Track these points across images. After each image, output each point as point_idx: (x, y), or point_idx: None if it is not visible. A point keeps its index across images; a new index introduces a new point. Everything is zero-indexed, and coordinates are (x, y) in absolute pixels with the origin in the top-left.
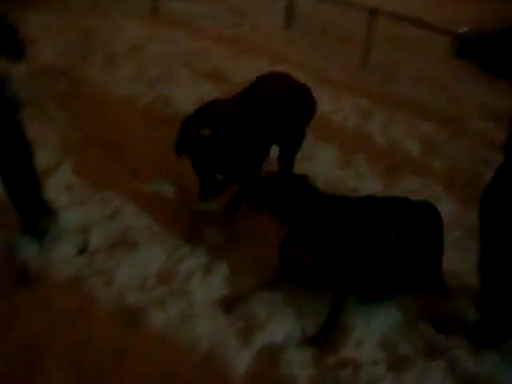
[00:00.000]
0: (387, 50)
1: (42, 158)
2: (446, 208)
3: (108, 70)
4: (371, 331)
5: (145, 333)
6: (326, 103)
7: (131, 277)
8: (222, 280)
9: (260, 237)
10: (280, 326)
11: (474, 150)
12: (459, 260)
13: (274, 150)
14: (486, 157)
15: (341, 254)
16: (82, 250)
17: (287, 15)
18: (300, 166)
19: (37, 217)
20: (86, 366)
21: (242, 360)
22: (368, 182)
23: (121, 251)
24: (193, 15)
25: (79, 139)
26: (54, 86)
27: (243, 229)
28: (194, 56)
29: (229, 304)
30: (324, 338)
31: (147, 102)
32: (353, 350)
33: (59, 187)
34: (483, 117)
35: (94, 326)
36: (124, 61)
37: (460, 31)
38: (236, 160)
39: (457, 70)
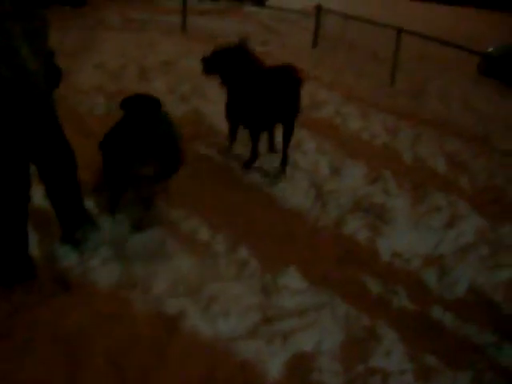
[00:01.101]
0: (414, 68)
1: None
2: (473, 225)
3: (142, 84)
4: (398, 342)
5: (183, 337)
6: (354, 120)
7: (169, 283)
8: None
9: None
10: (311, 335)
11: (500, 168)
12: (486, 276)
13: None
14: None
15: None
16: (120, 257)
17: (315, 33)
18: (329, 182)
19: (77, 226)
20: (127, 367)
21: (274, 366)
22: (395, 199)
23: (158, 259)
24: (221, 32)
25: None
26: (90, 101)
27: None
28: None
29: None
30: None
31: (180, 116)
32: (381, 359)
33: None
34: (509, 135)
35: (133, 330)
36: (157, 75)
37: (486, 50)
38: None
39: (483, 87)
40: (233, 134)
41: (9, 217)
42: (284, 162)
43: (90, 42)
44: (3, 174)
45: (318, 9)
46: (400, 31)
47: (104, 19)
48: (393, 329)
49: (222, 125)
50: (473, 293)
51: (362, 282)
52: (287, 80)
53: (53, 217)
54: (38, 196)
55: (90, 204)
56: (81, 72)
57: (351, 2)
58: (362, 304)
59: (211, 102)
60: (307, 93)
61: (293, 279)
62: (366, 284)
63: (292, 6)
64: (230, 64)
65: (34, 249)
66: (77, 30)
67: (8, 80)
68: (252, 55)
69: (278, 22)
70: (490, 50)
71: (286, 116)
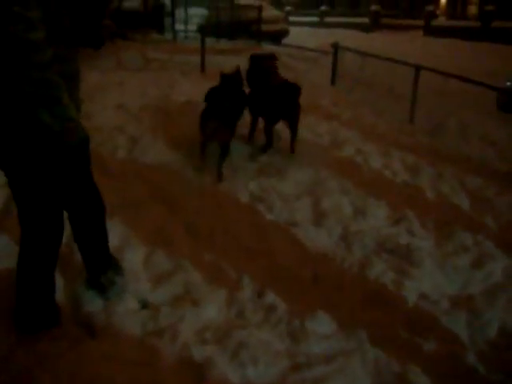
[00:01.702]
0: (433, 105)
1: None
2: (501, 264)
3: (164, 125)
4: None
5: None
6: (375, 159)
7: (196, 330)
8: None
9: None
10: (340, 381)
11: None
12: None
13: None
14: None
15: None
16: (145, 304)
17: (333, 71)
18: (353, 222)
19: (102, 270)
20: None
21: None
22: (420, 239)
23: (184, 305)
24: None
25: (138, 193)
26: (112, 143)
27: None
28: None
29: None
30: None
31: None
32: None
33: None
34: None
35: (161, 378)
36: (177, 116)
37: (505, 86)
38: None
39: (503, 123)
40: (253, 125)
41: (40, 262)
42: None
43: (110, 82)
44: (39, 219)
45: (336, 47)
46: (418, 68)
47: (124, 60)
48: (424, 375)
49: (241, 163)
50: (504, 336)
51: (390, 325)
52: (291, 90)
53: (77, 260)
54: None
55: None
56: (102, 112)
57: (367, 39)
58: (392, 349)
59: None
60: (328, 131)
61: (321, 324)
62: (395, 327)
63: (307, 44)
64: (257, 70)
65: (59, 293)
66: (98, 71)
67: (49, 127)
68: (273, 67)
69: (295, 60)
70: (508, 84)
71: (290, 114)
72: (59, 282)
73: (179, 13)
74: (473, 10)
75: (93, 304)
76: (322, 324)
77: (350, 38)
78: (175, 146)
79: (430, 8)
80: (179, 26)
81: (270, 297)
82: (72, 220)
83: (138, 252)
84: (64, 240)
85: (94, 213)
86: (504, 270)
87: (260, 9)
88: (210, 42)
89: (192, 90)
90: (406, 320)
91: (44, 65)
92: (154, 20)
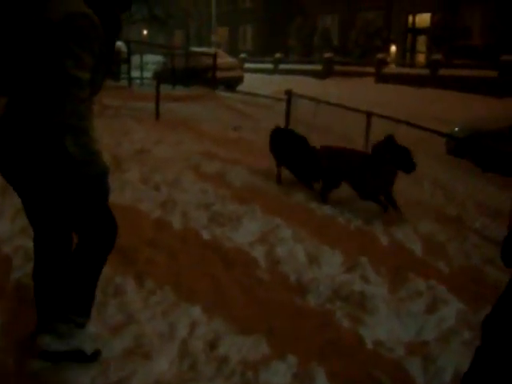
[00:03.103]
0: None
1: None
2: (454, 309)
3: (115, 175)
4: None
5: None
6: (328, 205)
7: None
8: None
9: None
10: None
11: (475, 249)
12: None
13: None
14: (488, 254)
15: None
16: (95, 356)
17: (286, 117)
18: (307, 270)
19: (53, 320)
20: None
21: None
22: (373, 286)
23: (135, 358)
24: (195, 117)
25: None
26: None
27: None
28: (198, 159)
29: None
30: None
31: (153, 206)
32: None
33: None
34: (482, 213)
35: None
36: (130, 164)
37: (452, 131)
38: None
39: (453, 167)
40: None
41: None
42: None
43: None
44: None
45: (289, 94)
46: (369, 115)
47: None
48: None
49: (193, 213)
50: (459, 379)
51: (348, 374)
52: None
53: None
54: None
55: None
56: None
57: (321, 86)
58: None
59: (184, 191)
60: (282, 178)
61: (275, 375)
62: (352, 376)
63: (262, 91)
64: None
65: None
66: None
67: (72, 156)
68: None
69: (250, 106)
70: (456, 129)
71: None
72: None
73: (135, 59)
74: (421, 58)
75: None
76: (277, 375)
77: (303, 85)
78: (129, 190)
79: (381, 56)
80: (135, 73)
81: (223, 348)
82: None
83: None
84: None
85: (97, 245)
86: (457, 314)
87: (215, 56)
88: (165, 88)
89: (145, 138)
90: (363, 368)
91: (80, 100)
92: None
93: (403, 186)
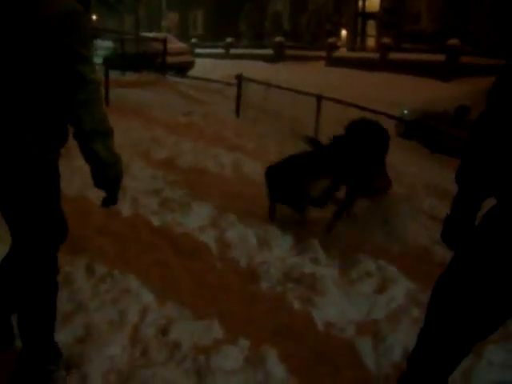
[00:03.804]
0: (335, 133)
1: None
2: (403, 288)
3: (64, 161)
4: None
5: None
6: None
7: (99, 373)
8: None
9: None
10: None
11: (424, 229)
12: None
13: None
14: (436, 234)
15: None
16: None
17: (237, 102)
18: (258, 254)
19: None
20: None
21: None
22: (324, 268)
23: (87, 346)
24: (145, 103)
25: None
26: None
27: None
28: (148, 145)
29: None
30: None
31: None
32: None
33: None
34: (430, 194)
35: None
36: (78, 153)
37: (402, 113)
38: None
39: (403, 149)
40: None
41: None
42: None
43: None
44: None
45: (239, 78)
46: (319, 98)
47: None
48: None
49: (143, 199)
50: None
51: (300, 355)
52: None
53: None
54: None
55: None
56: None
57: (272, 70)
58: (301, 380)
59: (133, 178)
60: (232, 162)
61: (227, 359)
62: (304, 358)
63: (213, 76)
64: None
65: None
66: None
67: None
68: None
69: (200, 91)
70: (405, 112)
71: None
72: None
73: None
74: (371, 42)
75: None
76: (229, 358)
77: (255, 69)
78: (77, 178)
79: (332, 40)
80: None
81: (175, 333)
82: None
83: None
84: None
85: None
86: (406, 293)
87: (165, 41)
88: (115, 74)
89: None
90: (314, 349)
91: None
92: None
93: None
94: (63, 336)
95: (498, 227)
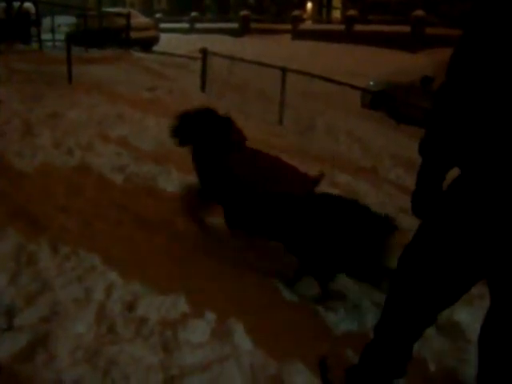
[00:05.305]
0: (301, 105)
1: None
2: None
3: (26, 140)
4: None
5: None
6: None
7: (66, 351)
8: None
9: None
10: None
11: (390, 198)
12: None
13: None
14: (402, 204)
15: None
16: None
17: (202, 77)
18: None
19: None
20: None
21: None
22: None
23: (53, 325)
24: (109, 80)
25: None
26: None
27: None
28: (112, 121)
29: None
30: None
31: (66, 171)
32: None
33: None
34: (396, 164)
35: None
36: (42, 130)
37: (367, 84)
38: None
39: (368, 120)
40: None
41: None
42: None
43: None
44: None
45: (204, 52)
46: (284, 70)
47: None
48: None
49: (108, 176)
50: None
51: (266, 328)
52: None
53: None
54: None
55: None
56: None
57: (237, 44)
58: (268, 352)
59: (98, 155)
60: None
61: (194, 333)
62: (270, 330)
63: (178, 51)
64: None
65: None
66: None
67: None
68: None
69: (165, 67)
70: (371, 83)
71: None
72: None
73: (46, 21)
74: (337, 14)
75: None
76: (196, 332)
77: (220, 43)
78: (41, 156)
79: (297, 13)
80: (47, 36)
81: (141, 309)
82: None
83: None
84: None
85: None
86: None
87: (129, 16)
88: (78, 51)
89: (58, 102)
90: (281, 321)
91: None
92: (18, 29)
93: (320, 138)
94: (28, 315)
95: (461, 197)
